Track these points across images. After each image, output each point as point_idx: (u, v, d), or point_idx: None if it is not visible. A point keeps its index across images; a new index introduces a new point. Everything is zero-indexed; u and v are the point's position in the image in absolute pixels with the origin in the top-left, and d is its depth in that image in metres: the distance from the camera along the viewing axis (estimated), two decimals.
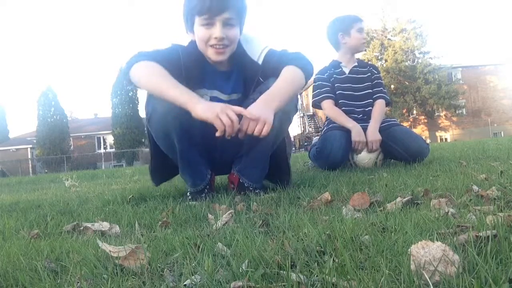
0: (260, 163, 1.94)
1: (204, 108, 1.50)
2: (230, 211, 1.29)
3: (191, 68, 1.78)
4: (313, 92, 3.14)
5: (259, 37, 1.92)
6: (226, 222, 1.23)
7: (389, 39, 34.44)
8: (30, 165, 31.43)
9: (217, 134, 1.50)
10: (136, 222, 1.37)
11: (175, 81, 1.58)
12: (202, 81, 1.84)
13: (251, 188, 1.90)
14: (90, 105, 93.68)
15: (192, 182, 1.89)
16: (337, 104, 3.00)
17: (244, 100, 1.84)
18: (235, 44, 1.81)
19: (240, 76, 1.89)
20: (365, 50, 33.29)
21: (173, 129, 1.70)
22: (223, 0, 1.68)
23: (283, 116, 1.77)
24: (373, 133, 2.79)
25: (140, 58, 1.68)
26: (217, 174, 2.20)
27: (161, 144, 1.81)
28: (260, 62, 1.84)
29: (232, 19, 1.72)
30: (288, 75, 1.72)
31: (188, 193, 1.93)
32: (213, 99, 1.85)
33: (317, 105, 3.08)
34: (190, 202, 1.74)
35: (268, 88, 1.67)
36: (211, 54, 1.76)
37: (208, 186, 1.93)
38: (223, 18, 1.69)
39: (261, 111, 1.54)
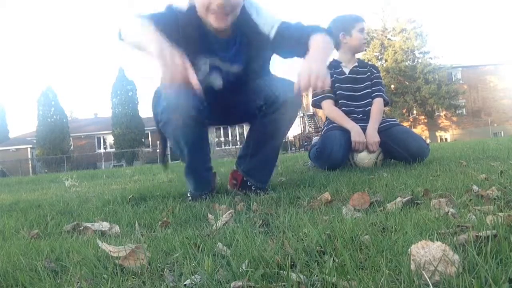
0: (269, 164, 1.94)
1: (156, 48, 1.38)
2: (230, 211, 1.29)
3: (189, 33, 1.69)
4: (313, 91, 3.13)
5: (270, 9, 1.82)
6: (226, 222, 1.23)
7: (389, 39, 34.43)
8: (30, 165, 31.42)
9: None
10: (136, 222, 1.37)
11: (155, 34, 1.45)
12: (201, 47, 1.72)
13: (253, 188, 1.90)
14: (90, 105, 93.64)
15: (195, 187, 1.88)
16: (337, 104, 3.00)
17: (246, 73, 1.79)
18: (238, 10, 1.68)
19: (244, 47, 1.79)
20: (365, 50, 33.34)
21: (183, 137, 1.69)
22: None
23: (293, 113, 1.79)
24: (371, 135, 2.78)
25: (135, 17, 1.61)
26: (231, 124, 2.22)
27: (172, 144, 1.80)
28: (272, 35, 1.75)
29: None
30: (321, 42, 1.63)
31: (188, 194, 1.93)
32: (213, 68, 1.76)
33: (317, 104, 3.07)
34: (190, 202, 1.75)
35: None
36: (212, 21, 1.64)
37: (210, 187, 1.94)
38: None
39: (313, 64, 1.45)
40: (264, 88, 1.77)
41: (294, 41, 1.72)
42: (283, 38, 1.75)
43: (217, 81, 1.77)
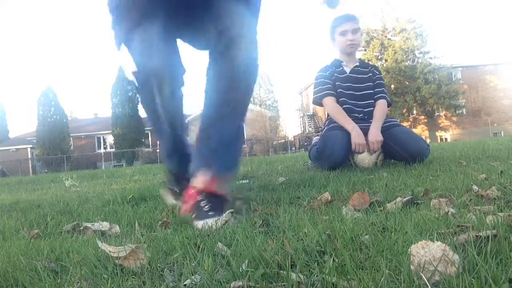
0: (230, 144, 1.54)
1: None
2: (229, 210, 1.29)
3: None
4: (314, 88, 3.13)
5: None
6: (226, 222, 1.23)
7: (389, 39, 34.43)
8: (30, 165, 31.42)
9: None
10: (136, 222, 1.37)
11: None
12: None
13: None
14: (90, 105, 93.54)
15: (174, 167, 1.81)
16: (337, 102, 3.00)
17: None
18: None
19: None
20: (365, 50, 33.36)
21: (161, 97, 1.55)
22: None
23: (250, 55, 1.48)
24: (375, 134, 2.78)
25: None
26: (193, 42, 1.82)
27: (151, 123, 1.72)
28: None
29: None
30: None
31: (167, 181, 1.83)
32: None
33: (318, 102, 3.07)
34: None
35: None
36: None
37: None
38: None
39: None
40: (227, 12, 1.52)
41: None
42: None
43: None
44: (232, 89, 1.48)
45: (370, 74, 3.09)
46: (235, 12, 1.53)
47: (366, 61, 3.58)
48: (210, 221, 1.24)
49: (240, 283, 0.69)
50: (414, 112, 35.62)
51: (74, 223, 1.42)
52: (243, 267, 0.77)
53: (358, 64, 3.10)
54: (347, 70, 3.06)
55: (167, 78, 1.52)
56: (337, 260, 0.77)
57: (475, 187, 1.45)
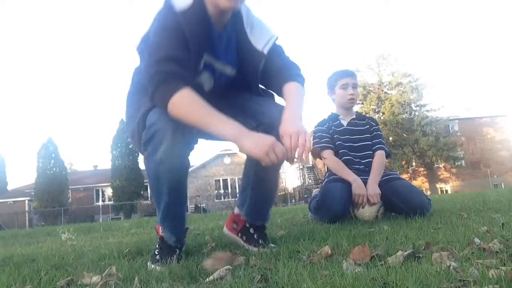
0: (269, 201, 1.91)
1: (251, 144, 1.42)
2: (227, 267, 1.27)
3: (196, 33, 1.55)
4: (313, 141, 3.17)
5: (264, 24, 1.78)
6: (223, 277, 1.20)
7: (385, 92, 35.24)
8: (27, 218, 31.00)
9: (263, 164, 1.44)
10: (137, 277, 1.34)
11: (218, 114, 1.47)
12: (206, 45, 1.63)
13: (255, 236, 1.86)
14: (90, 157, 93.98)
15: (169, 235, 1.72)
16: (337, 155, 3.02)
17: (237, 81, 1.76)
18: None
19: (233, 48, 1.73)
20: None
21: (165, 181, 1.56)
22: None
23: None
24: (373, 187, 2.78)
25: (175, 84, 1.48)
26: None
27: (150, 187, 1.66)
28: (265, 51, 1.70)
29: None
30: (299, 94, 1.67)
31: (156, 251, 1.71)
32: (206, 66, 1.67)
33: (316, 154, 3.09)
34: (154, 266, 1.57)
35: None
36: (223, 1, 1.55)
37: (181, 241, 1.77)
38: None
39: (296, 126, 1.48)
40: (258, 109, 1.71)
41: (278, 74, 1.71)
42: (271, 63, 1.72)
43: (209, 82, 1.72)
44: (275, 184, 1.85)
45: (368, 126, 3.14)
46: (270, 108, 1.70)
47: (363, 114, 3.64)
48: None
49: None
50: (413, 164, 35.72)
51: (68, 278, 1.39)
52: None
53: (355, 117, 3.15)
54: (344, 123, 3.11)
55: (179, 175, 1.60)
56: None
57: (476, 240, 1.43)
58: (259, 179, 1.82)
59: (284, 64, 1.76)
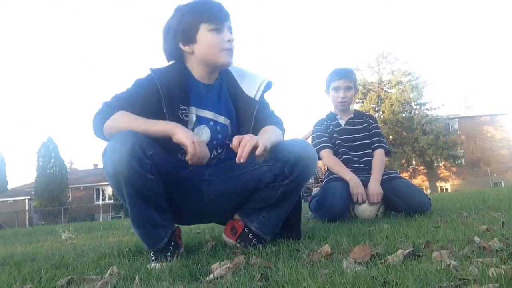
0: (281, 220, 1.88)
1: (183, 133, 1.54)
2: (227, 266, 1.27)
3: (171, 87, 1.73)
4: (312, 142, 3.17)
5: (254, 72, 1.93)
6: (223, 276, 1.20)
7: (385, 91, 35.23)
8: (27, 217, 31.02)
9: (187, 158, 1.53)
10: (138, 276, 1.34)
11: (150, 119, 1.62)
12: (186, 97, 1.78)
13: (254, 241, 1.82)
14: (90, 156, 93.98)
15: (144, 242, 1.70)
16: (336, 155, 3.02)
17: (234, 130, 1.85)
18: None
19: (226, 96, 1.88)
20: (362, 102, 34.01)
21: (124, 188, 1.54)
22: (225, 10, 1.80)
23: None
24: (374, 186, 2.78)
25: (111, 111, 1.65)
26: (203, 222, 2.17)
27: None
28: (257, 97, 1.84)
29: (231, 27, 1.81)
30: (274, 131, 1.80)
31: (151, 253, 1.70)
32: (201, 119, 1.80)
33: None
34: (152, 264, 1.57)
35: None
36: (224, 58, 1.77)
37: (171, 243, 1.69)
38: (228, 24, 1.79)
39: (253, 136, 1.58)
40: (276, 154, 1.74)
41: (260, 121, 1.83)
42: (260, 111, 1.85)
43: (206, 133, 1.80)
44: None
45: (366, 124, 3.14)
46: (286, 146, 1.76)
47: (362, 111, 3.64)
48: None
49: None
50: (413, 162, 35.74)
51: (68, 277, 1.39)
52: None
53: (353, 115, 3.16)
54: (342, 123, 3.12)
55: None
56: None
57: (476, 239, 1.43)
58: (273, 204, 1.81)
59: (269, 114, 1.89)
